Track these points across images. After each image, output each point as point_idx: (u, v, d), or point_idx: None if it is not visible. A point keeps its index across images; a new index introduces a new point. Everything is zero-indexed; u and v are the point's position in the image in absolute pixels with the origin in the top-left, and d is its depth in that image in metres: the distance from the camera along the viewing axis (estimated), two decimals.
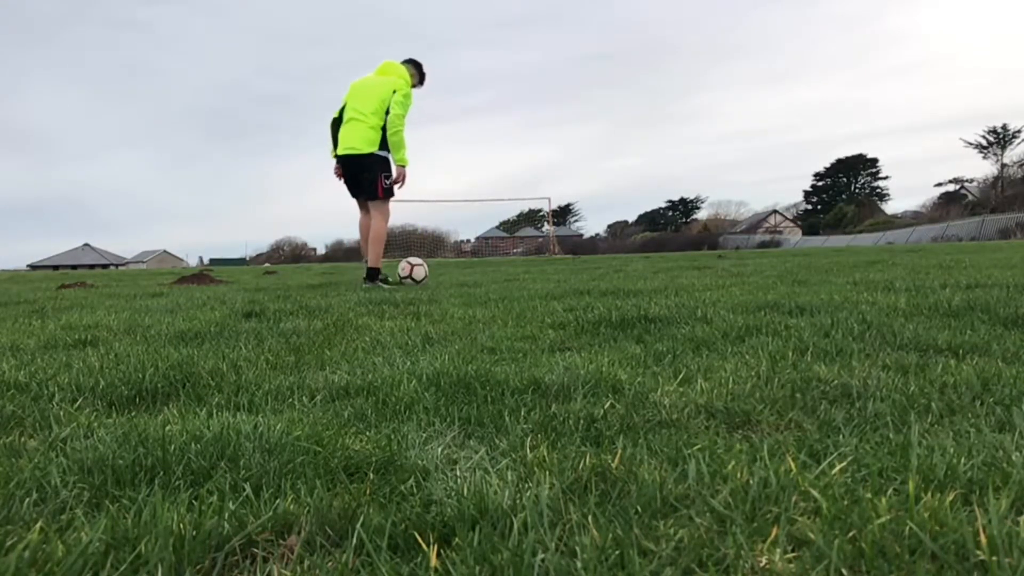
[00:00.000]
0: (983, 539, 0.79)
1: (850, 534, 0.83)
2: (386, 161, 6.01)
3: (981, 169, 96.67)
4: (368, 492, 1.05)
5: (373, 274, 6.10)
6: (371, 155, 5.98)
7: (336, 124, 6.26)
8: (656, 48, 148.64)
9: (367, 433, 1.36)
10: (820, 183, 70.92)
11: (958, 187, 58.62)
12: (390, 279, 6.32)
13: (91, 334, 2.85)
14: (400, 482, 1.09)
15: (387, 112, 5.96)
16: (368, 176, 6.00)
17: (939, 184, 60.72)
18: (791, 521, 0.88)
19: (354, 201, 6.29)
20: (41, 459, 1.20)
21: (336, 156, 6.14)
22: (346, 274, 8.84)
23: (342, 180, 6.19)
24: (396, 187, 6.07)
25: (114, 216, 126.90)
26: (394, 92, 5.98)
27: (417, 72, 6.40)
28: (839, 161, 69.61)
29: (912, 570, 0.77)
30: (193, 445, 1.22)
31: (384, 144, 6.01)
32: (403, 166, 6.00)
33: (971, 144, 54.96)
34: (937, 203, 56.68)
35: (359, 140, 5.98)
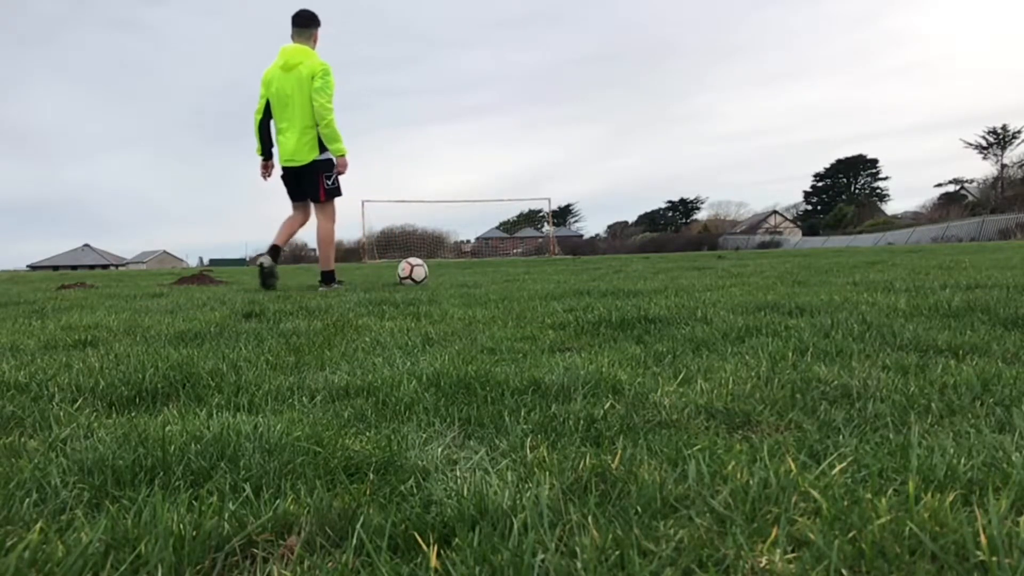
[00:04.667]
0: (983, 539, 0.79)
1: (850, 534, 0.83)
2: (328, 162, 5.78)
3: (981, 170, 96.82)
4: (368, 492, 1.05)
5: (328, 278, 5.96)
6: (313, 162, 5.75)
7: (264, 126, 5.92)
8: (657, 48, 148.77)
9: (367, 433, 1.36)
10: (820, 183, 70.95)
11: (958, 188, 58.65)
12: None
13: (91, 334, 2.85)
14: (400, 482, 1.09)
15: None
16: (310, 181, 5.79)
17: (939, 185, 60.82)
18: (791, 521, 0.88)
19: (310, 203, 5.98)
20: (41, 459, 1.20)
21: (281, 166, 5.89)
22: (345, 275, 8.84)
23: (284, 185, 5.96)
24: (334, 180, 5.81)
25: (114, 217, 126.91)
26: (312, 79, 5.60)
27: (315, 24, 5.85)
28: (839, 161, 69.67)
29: (912, 570, 0.77)
30: (193, 445, 1.22)
31: (324, 144, 5.71)
32: (342, 156, 5.70)
33: (971, 145, 55.02)
34: (937, 204, 56.69)
35: (298, 151, 5.72)
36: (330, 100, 5.64)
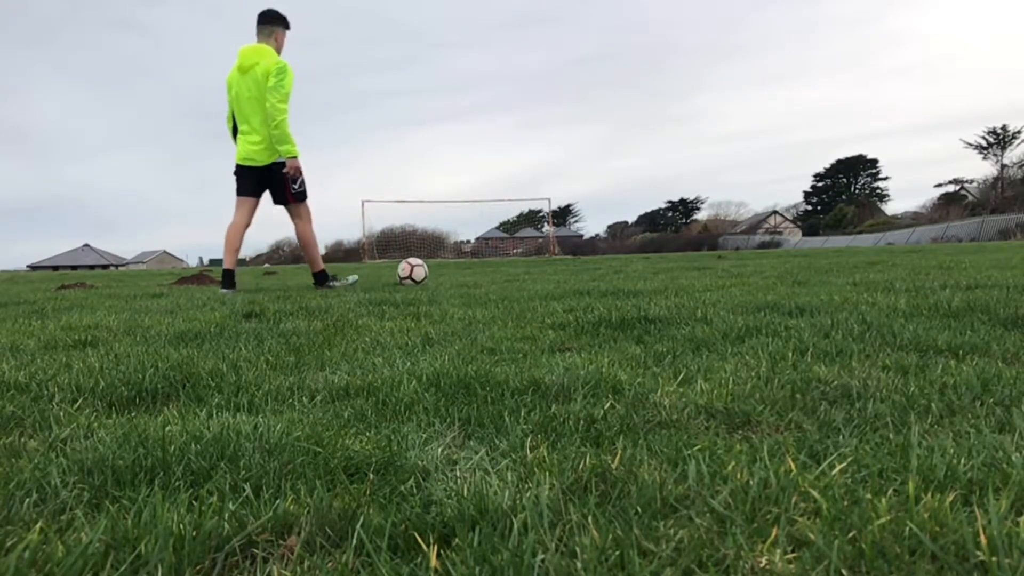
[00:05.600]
0: (983, 539, 0.79)
1: (850, 535, 0.83)
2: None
3: (981, 170, 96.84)
4: (368, 492, 1.05)
5: (322, 278, 5.88)
6: (272, 164, 5.60)
7: (236, 130, 5.81)
8: (657, 48, 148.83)
9: (367, 434, 1.36)
10: (820, 184, 71.00)
11: (958, 188, 58.69)
12: (339, 277, 6.07)
13: (91, 335, 2.85)
14: (400, 482, 1.09)
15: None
16: (275, 183, 5.66)
17: (939, 185, 60.88)
18: (791, 522, 0.88)
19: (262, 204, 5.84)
20: (41, 460, 1.20)
21: (237, 163, 5.73)
22: (346, 275, 8.83)
23: (236, 180, 5.79)
24: (300, 182, 5.67)
25: (114, 217, 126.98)
26: (267, 78, 5.43)
27: (279, 24, 5.68)
28: (839, 162, 69.72)
29: (912, 571, 0.77)
30: (193, 445, 1.22)
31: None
32: (293, 158, 5.52)
33: (971, 145, 55.06)
34: (937, 204, 56.73)
35: (257, 152, 5.59)
36: (283, 100, 5.43)
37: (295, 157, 5.56)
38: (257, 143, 5.59)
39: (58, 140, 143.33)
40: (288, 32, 5.80)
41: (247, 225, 5.83)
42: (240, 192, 5.77)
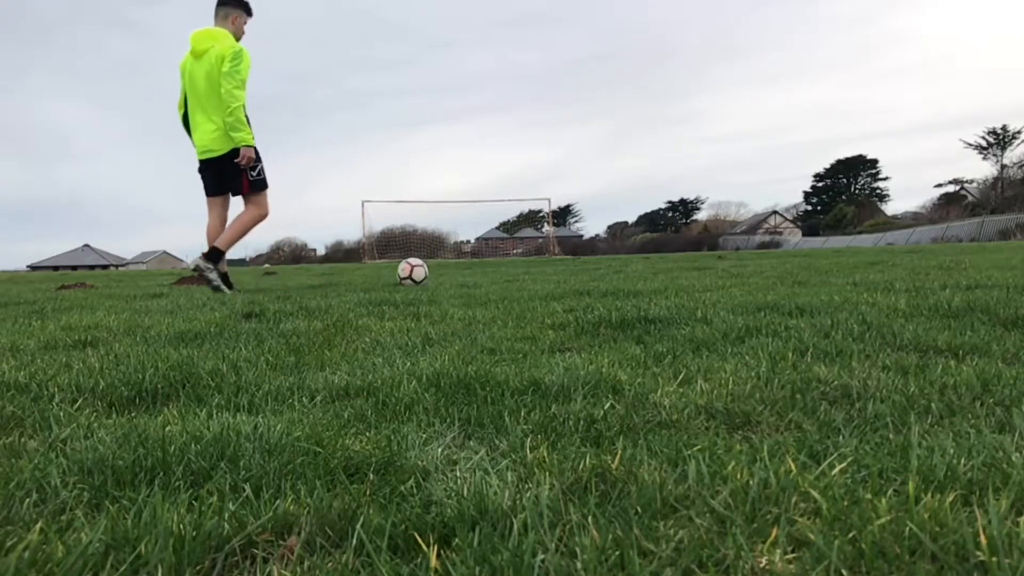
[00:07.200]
0: (983, 540, 0.79)
1: (850, 535, 0.83)
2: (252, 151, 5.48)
3: (981, 170, 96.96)
4: (368, 493, 1.05)
5: (215, 256, 5.44)
6: (230, 152, 5.40)
7: (187, 120, 5.61)
8: (656, 48, 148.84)
9: (367, 434, 1.36)
10: (820, 184, 71.03)
11: (958, 188, 58.72)
12: (222, 278, 5.50)
13: (91, 335, 2.85)
14: (400, 483, 1.09)
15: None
16: (232, 172, 5.45)
17: (939, 185, 60.92)
18: (791, 522, 0.88)
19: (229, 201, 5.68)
20: (41, 460, 1.20)
21: (198, 159, 5.58)
22: (345, 275, 8.84)
23: (201, 180, 5.65)
24: (260, 170, 5.48)
25: (114, 217, 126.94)
26: (221, 62, 5.26)
27: (239, 7, 5.53)
28: (839, 162, 69.74)
29: (912, 571, 0.77)
30: (193, 446, 1.22)
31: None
32: (247, 146, 5.32)
33: (971, 145, 55.11)
34: (937, 204, 56.78)
35: (214, 140, 5.41)
36: (239, 86, 5.25)
37: (250, 145, 5.36)
38: (212, 131, 5.42)
39: (58, 140, 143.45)
40: (250, 19, 5.64)
41: (224, 224, 5.67)
42: (208, 192, 5.63)
